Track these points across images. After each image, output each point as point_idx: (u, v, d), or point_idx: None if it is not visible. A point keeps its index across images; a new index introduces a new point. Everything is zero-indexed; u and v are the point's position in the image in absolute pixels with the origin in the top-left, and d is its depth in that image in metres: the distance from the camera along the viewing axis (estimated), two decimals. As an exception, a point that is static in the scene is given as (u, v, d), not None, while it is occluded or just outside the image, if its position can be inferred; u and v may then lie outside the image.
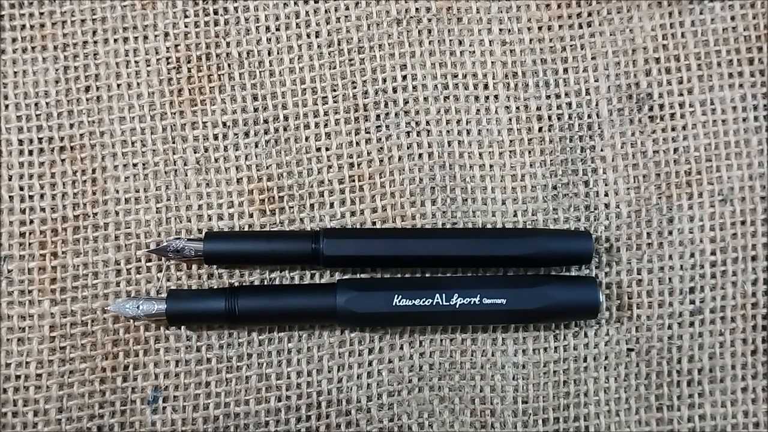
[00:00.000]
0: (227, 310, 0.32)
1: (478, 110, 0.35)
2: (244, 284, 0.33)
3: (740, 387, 0.33)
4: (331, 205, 0.34)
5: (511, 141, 0.35)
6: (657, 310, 0.34)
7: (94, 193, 0.34)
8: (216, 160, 0.34)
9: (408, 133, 0.34)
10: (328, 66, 0.35)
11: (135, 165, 0.34)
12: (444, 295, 0.32)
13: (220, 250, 0.32)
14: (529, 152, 0.35)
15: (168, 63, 0.34)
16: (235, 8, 0.35)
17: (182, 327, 0.33)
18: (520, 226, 0.34)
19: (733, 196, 0.34)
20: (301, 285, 0.34)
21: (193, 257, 0.33)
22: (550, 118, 0.35)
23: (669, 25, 0.35)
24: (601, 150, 0.34)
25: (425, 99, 0.35)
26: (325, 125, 0.34)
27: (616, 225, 0.34)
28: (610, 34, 0.35)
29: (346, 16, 0.35)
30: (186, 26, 0.35)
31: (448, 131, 0.34)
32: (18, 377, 0.32)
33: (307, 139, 0.34)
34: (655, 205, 0.34)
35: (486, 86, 0.35)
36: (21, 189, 0.33)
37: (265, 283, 0.34)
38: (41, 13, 0.34)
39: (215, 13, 0.35)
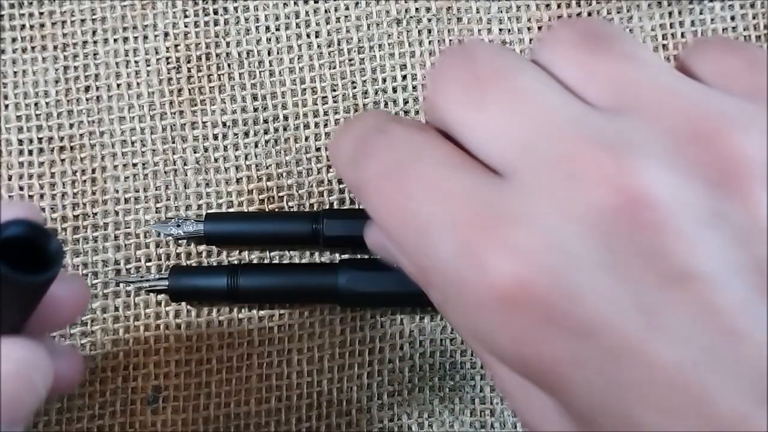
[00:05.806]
0: (229, 287, 0.32)
1: (478, 110, 0.35)
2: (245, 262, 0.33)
3: (740, 387, 0.33)
4: (331, 205, 0.34)
5: (511, 141, 0.35)
6: (657, 310, 0.34)
7: (93, 193, 0.34)
8: (216, 160, 0.34)
9: (408, 133, 0.34)
10: (328, 66, 0.35)
11: (135, 165, 0.34)
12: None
13: (220, 231, 0.32)
14: (529, 152, 0.34)
15: (168, 63, 0.34)
16: (235, 8, 0.35)
17: (182, 327, 0.33)
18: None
19: (733, 196, 0.34)
20: (304, 264, 0.33)
21: (192, 233, 0.32)
22: (550, 118, 0.35)
23: (669, 25, 0.35)
24: (601, 150, 0.34)
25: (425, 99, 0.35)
26: (325, 125, 0.34)
27: (616, 225, 0.34)
28: (610, 34, 0.35)
29: (346, 16, 0.35)
30: (186, 26, 0.35)
31: (448, 131, 0.34)
32: (18, 377, 0.32)
33: (307, 139, 0.34)
34: (655, 205, 0.34)
35: (486, 86, 0.35)
36: (21, 189, 0.33)
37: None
38: (41, 13, 0.34)
39: (215, 13, 0.35)
